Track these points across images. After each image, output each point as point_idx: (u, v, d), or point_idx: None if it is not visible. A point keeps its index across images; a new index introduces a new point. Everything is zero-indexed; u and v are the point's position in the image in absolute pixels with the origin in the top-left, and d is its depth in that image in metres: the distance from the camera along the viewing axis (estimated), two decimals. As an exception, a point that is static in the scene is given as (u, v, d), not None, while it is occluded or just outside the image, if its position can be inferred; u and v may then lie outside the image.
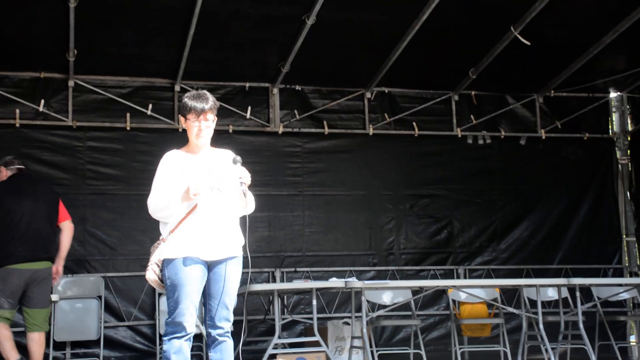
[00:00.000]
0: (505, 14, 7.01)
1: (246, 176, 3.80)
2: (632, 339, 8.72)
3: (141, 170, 7.44)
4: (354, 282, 5.88)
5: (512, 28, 7.12)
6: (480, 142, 8.73)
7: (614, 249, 8.92)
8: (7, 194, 5.66)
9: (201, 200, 3.74)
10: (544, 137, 8.84)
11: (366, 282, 6.21)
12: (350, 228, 8.27)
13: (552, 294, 7.32)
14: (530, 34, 7.08)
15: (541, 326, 6.15)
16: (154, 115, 7.81)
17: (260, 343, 7.32)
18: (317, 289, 6.18)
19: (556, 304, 7.02)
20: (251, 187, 3.86)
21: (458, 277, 8.33)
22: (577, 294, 6.29)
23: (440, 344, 8.05)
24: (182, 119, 3.92)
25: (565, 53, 7.88)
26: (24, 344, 5.75)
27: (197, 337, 4.53)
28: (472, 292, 6.90)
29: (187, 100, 3.87)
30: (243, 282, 6.86)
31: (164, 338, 3.75)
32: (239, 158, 3.84)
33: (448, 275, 8.38)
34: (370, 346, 6.23)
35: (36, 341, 5.61)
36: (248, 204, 3.86)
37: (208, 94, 3.92)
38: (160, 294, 7.22)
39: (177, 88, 7.85)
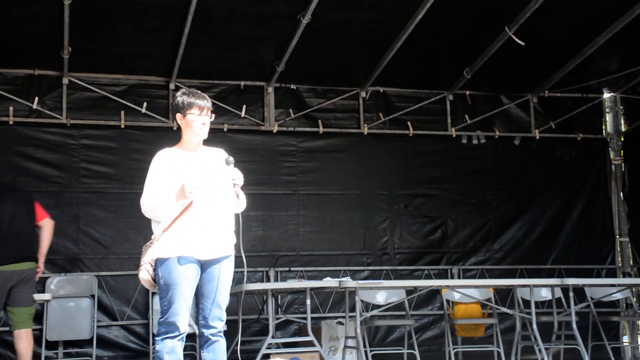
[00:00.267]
0: (499, 14, 7.00)
1: (239, 177, 3.81)
2: (625, 339, 8.73)
3: (135, 169, 7.40)
4: (348, 282, 5.86)
5: (506, 28, 7.12)
6: (475, 142, 8.73)
7: (607, 249, 8.93)
8: None
9: (195, 199, 3.71)
10: (538, 137, 8.84)
11: (360, 281, 6.19)
12: (344, 227, 8.26)
13: (545, 294, 7.32)
14: (524, 34, 7.07)
15: (535, 326, 6.15)
16: (148, 114, 7.77)
17: (254, 343, 7.29)
18: (311, 289, 6.17)
19: (550, 304, 7.02)
20: (246, 186, 3.86)
21: (452, 277, 8.32)
22: (571, 294, 6.30)
23: (434, 344, 8.04)
24: (178, 115, 3.88)
25: (559, 53, 7.88)
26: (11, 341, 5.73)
27: (190, 337, 4.50)
28: (466, 292, 6.90)
29: (187, 97, 3.87)
30: (238, 282, 6.84)
31: (157, 338, 3.72)
32: (231, 159, 3.84)
33: (442, 275, 8.37)
34: (364, 346, 6.22)
35: (24, 339, 5.61)
36: (240, 204, 3.87)
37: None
38: (154, 294, 7.18)
39: (171, 86, 7.82)
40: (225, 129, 7.94)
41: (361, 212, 8.32)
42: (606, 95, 9.18)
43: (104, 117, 7.71)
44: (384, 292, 7.00)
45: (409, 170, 8.49)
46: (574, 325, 6.18)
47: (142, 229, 3.66)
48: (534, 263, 8.55)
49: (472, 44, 7.58)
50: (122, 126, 7.71)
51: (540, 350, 6.17)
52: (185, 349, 3.79)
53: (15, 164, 7.40)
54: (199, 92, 3.94)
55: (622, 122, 9.22)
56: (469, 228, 8.56)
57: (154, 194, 3.74)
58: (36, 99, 7.50)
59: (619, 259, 9.01)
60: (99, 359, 7.27)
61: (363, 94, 8.44)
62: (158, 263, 3.72)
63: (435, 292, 7.83)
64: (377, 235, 8.34)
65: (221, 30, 6.98)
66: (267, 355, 6.08)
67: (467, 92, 8.70)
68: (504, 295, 7.44)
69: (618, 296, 7.75)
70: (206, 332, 3.78)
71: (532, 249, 8.64)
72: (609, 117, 9.26)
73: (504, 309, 6.64)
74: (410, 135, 8.50)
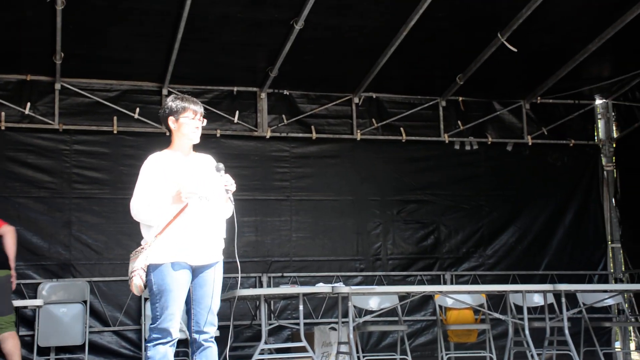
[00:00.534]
0: (492, 21, 7.04)
1: (232, 184, 3.82)
2: (617, 345, 8.75)
3: (128, 174, 7.36)
4: (341, 288, 5.86)
5: (499, 35, 7.15)
6: (467, 147, 8.75)
7: (599, 255, 8.94)
8: None
9: (189, 205, 3.71)
10: (530, 144, 8.87)
11: (353, 287, 6.19)
12: (337, 233, 8.25)
13: (538, 300, 7.34)
14: (517, 41, 7.11)
15: (527, 332, 6.16)
16: (141, 119, 7.76)
17: (247, 348, 7.28)
18: (304, 294, 6.16)
19: (542, 310, 7.03)
20: (238, 191, 3.87)
21: (445, 283, 8.33)
22: (563, 300, 6.31)
23: (426, 349, 8.04)
24: (171, 119, 3.87)
25: (552, 60, 7.91)
26: None
27: (180, 343, 4.48)
28: (459, 297, 6.91)
29: (180, 101, 3.89)
30: (231, 287, 6.83)
31: (148, 344, 3.70)
32: (221, 165, 3.86)
33: (435, 281, 8.37)
34: (357, 352, 6.22)
35: (9, 339, 5.61)
36: (228, 210, 3.89)
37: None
38: (146, 299, 7.16)
39: (164, 92, 7.81)
40: (218, 135, 7.94)
41: (354, 217, 8.32)
42: (598, 101, 9.22)
43: (97, 123, 7.70)
44: (376, 298, 7.01)
45: (401, 176, 8.50)
46: (566, 331, 6.19)
47: (135, 235, 3.65)
48: (527, 269, 8.56)
49: (465, 50, 7.61)
50: (115, 132, 7.70)
51: (532, 356, 6.17)
52: (175, 354, 3.78)
53: (7, 170, 7.37)
54: (191, 97, 3.95)
55: (614, 128, 9.25)
56: (461, 234, 8.57)
57: (145, 197, 3.72)
58: (28, 104, 7.48)
59: (611, 265, 9.03)
60: (91, 365, 7.25)
61: (356, 100, 8.46)
62: (151, 269, 3.69)
63: (427, 298, 7.84)
64: (370, 241, 8.34)
65: (214, 35, 6.99)
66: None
67: (460, 98, 8.72)
68: (497, 301, 7.45)
69: (610, 302, 7.78)
70: (199, 337, 3.77)
71: (525, 254, 8.66)
72: (601, 124, 9.29)
73: (497, 315, 6.66)
74: (403, 141, 8.52)
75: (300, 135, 8.30)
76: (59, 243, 7.43)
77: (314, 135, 8.29)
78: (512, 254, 8.64)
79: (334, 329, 6.98)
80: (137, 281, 3.70)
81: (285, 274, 7.97)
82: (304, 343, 5.80)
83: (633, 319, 8.34)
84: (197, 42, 6.98)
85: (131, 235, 7.22)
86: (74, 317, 7.08)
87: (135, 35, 6.90)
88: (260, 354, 5.78)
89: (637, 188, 8.69)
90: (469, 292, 7.07)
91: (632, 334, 8.69)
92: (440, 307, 7.13)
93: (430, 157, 8.63)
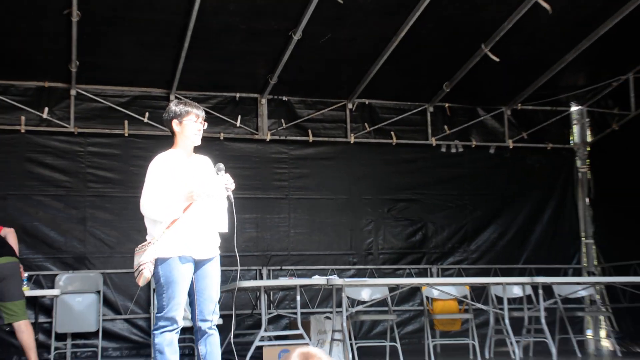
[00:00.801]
0: (476, 32, 7.06)
1: (231, 183, 3.83)
2: (589, 332, 8.78)
3: (138, 174, 7.22)
4: (335, 280, 5.87)
5: (482, 46, 7.18)
6: (453, 150, 8.76)
7: (573, 250, 8.98)
8: None
9: (197, 202, 3.72)
10: (511, 147, 8.88)
11: (347, 279, 6.20)
12: (332, 229, 8.26)
13: (517, 292, 7.35)
14: (499, 51, 7.13)
15: (507, 321, 6.18)
16: (150, 123, 7.76)
17: (248, 336, 7.30)
18: (301, 286, 6.17)
19: (521, 301, 7.06)
20: (240, 190, 3.89)
21: (431, 276, 8.34)
22: (540, 291, 6.33)
23: (414, 337, 8.05)
24: (175, 122, 3.86)
25: (531, 70, 7.94)
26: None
27: (184, 331, 4.49)
28: (444, 289, 6.92)
29: (184, 105, 3.88)
30: (232, 279, 6.83)
31: (155, 332, 3.71)
32: (222, 166, 3.85)
33: (422, 273, 8.38)
34: (350, 339, 6.22)
35: (24, 331, 5.59)
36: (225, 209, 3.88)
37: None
38: (154, 290, 7.16)
39: (172, 97, 7.78)
40: (221, 138, 7.94)
41: (348, 215, 8.33)
42: (574, 108, 9.24)
43: (109, 126, 7.70)
44: (368, 289, 7.02)
45: (392, 177, 8.50)
46: (543, 320, 6.22)
47: (145, 230, 3.66)
48: (507, 263, 8.57)
49: (451, 59, 7.63)
50: (126, 135, 7.70)
51: (511, 343, 6.20)
52: (179, 341, 3.78)
53: (27, 170, 7.38)
54: (193, 102, 3.96)
55: (589, 133, 9.27)
56: (447, 230, 8.59)
57: (154, 195, 3.71)
58: (46, 109, 7.48)
59: (585, 259, 9.06)
60: (105, 350, 7.25)
61: (350, 106, 8.47)
62: (159, 262, 3.69)
63: (415, 290, 7.85)
64: (362, 237, 8.35)
65: (218, 45, 6.99)
66: (259, 347, 6.09)
67: (447, 105, 8.73)
68: (479, 293, 7.47)
69: (583, 293, 7.81)
70: (203, 325, 3.78)
71: (505, 250, 8.68)
72: (576, 129, 9.31)
73: (479, 305, 6.68)
74: (394, 144, 8.53)
75: (298, 138, 8.30)
76: (75, 238, 7.44)
77: (311, 139, 8.30)
78: (493, 249, 8.67)
79: (328, 318, 6.99)
80: (146, 274, 3.67)
81: (283, 267, 7.98)
82: (300, 331, 5.82)
83: (604, 309, 8.38)
84: (202, 51, 6.98)
85: (141, 230, 7.11)
86: (88, 306, 7.09)
87: (145, 45, 6.91)
88: (260, 340, 5.79)
89: (609, 189, 8.72)
90: (453, 284, 7.09)
91: (603, 322, 8.71)
92: (427, 298, 7.14)
93: (419, 159, 8.64)
